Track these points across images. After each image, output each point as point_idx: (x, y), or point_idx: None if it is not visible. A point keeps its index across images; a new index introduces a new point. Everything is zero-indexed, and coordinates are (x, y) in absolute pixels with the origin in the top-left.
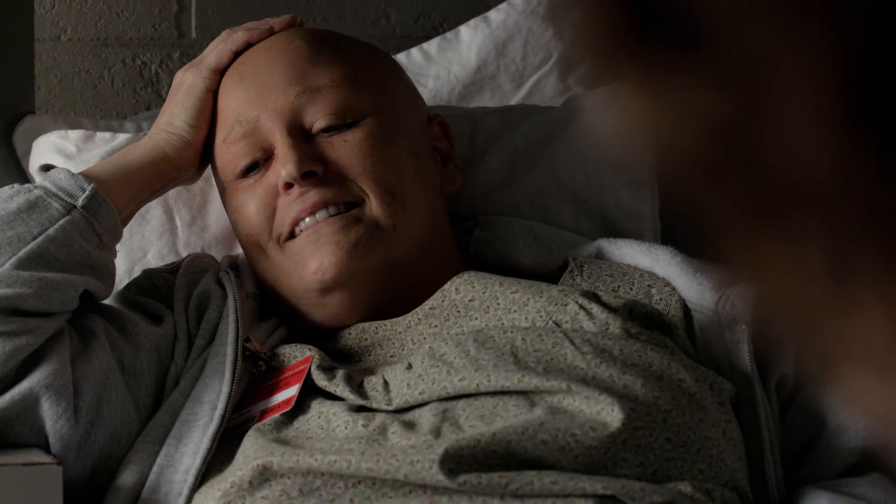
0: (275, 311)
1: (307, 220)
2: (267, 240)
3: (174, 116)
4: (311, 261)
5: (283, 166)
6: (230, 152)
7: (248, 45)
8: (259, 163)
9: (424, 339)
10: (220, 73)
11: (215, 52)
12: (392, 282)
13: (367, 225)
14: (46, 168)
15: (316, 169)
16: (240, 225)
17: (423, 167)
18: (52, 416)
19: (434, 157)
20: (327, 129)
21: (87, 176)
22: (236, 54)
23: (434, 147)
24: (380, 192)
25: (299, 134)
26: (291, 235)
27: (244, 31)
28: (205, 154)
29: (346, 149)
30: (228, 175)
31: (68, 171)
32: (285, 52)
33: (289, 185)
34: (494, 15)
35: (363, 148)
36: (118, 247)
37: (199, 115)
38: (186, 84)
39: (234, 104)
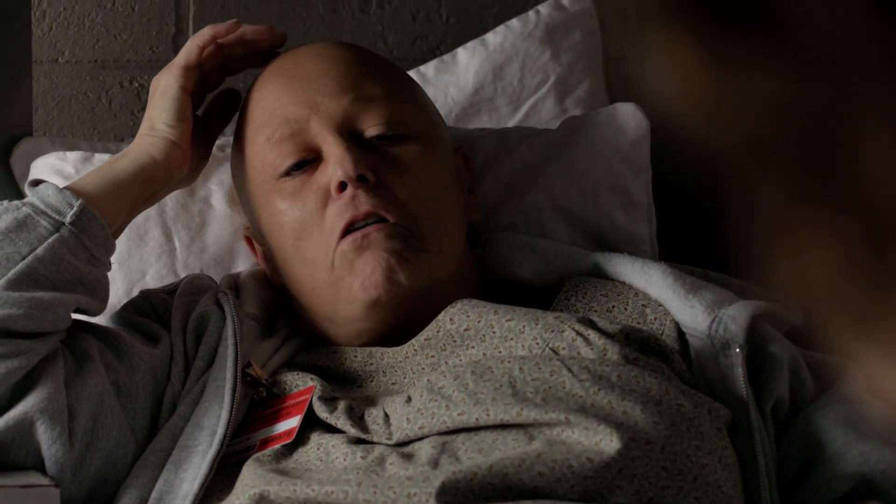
0: (286, 323)
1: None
2: (316, 246)
3: (154, 120)
4: (360, 271)
5: (340, 165)
6: (274, 152)
7: (214, 40)
8: (305, 162)
9: (423, 369)
10: (191, 70)
11: (183, 50)
12: (427, 304)
13: (414, 247)
14: (36, 183)
15: (369, 176)
16: (282, 226)
17: (456, 192)
18: (47, 441)
19: (462, 185)
20: (381, 138)
21: (74, 190)
22: (202, 49)
23: (459, 176)
24: (426, 215)
25: (352, 138)
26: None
27: (210, 27)
28: (196, 155)
29: (397, 168)
30: (269, 174)
31: (56, 187)
32: (336, 59)
33: (342, 187)
34: (492, 37)
35: (412, 169)
36: (116, 267)
37: (177, 115)
38: (161, 86)
39: (281, 105)
